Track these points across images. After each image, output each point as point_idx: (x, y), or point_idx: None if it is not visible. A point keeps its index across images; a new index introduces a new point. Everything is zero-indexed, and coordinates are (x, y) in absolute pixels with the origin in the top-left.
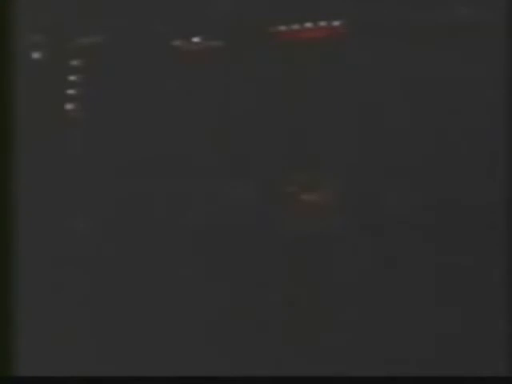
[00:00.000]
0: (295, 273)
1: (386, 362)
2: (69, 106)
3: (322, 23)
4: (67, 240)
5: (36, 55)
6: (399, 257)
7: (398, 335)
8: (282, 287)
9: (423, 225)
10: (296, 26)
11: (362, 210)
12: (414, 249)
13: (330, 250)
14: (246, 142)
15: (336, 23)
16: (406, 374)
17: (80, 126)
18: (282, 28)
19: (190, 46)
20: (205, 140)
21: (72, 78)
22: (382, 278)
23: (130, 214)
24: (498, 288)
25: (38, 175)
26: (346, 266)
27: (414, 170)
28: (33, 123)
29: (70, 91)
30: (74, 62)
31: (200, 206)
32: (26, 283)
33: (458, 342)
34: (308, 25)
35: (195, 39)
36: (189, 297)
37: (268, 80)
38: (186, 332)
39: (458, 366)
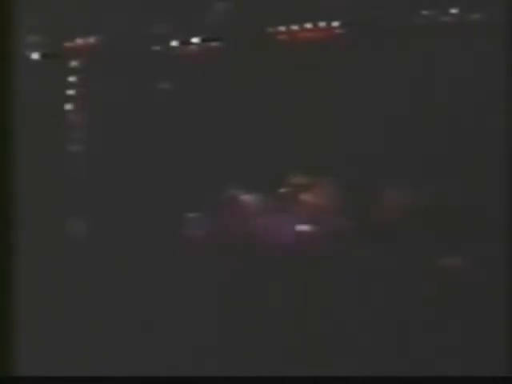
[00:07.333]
0: None
1: None
2: (68, 107)
3: None
4: (67, 240)
5: (36, 55)
6: None
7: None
8: None
9: None
10: None
11: None
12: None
13: None
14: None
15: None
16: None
17: (80, 127)
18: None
19: (191, 46)
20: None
21: (71, 78)
22: None
23: (129, 215)
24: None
25: (38, 175)
26: None
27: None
28: (32, 123)
29: (70, 91)
30: (74, 63)
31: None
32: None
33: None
34: None
35: (195, 40)
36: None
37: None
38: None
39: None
